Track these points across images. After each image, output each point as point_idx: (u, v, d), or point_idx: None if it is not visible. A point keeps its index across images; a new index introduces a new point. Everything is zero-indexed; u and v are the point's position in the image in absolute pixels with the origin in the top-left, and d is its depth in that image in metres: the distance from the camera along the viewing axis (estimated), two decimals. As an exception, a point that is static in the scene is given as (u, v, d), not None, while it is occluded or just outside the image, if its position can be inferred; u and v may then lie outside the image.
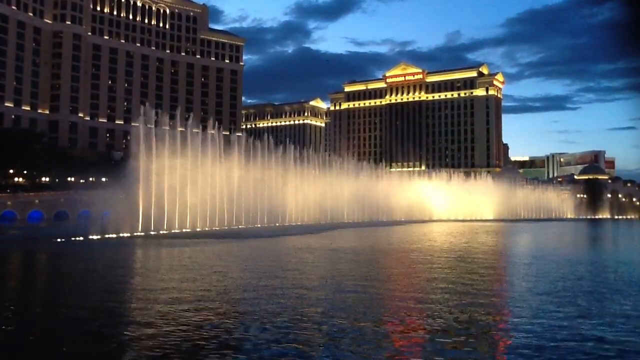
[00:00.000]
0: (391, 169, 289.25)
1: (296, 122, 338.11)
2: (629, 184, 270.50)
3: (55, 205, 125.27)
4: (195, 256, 49.15)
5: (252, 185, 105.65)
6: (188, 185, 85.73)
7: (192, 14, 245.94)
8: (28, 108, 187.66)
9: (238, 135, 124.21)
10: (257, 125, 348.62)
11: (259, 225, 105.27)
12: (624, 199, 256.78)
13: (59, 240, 63.66)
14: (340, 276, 35.55)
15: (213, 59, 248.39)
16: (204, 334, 19.25)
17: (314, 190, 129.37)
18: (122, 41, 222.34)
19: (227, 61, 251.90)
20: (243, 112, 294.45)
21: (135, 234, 73.57)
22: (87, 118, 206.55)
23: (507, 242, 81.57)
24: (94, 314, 23.43)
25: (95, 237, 66.29)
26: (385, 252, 57.74)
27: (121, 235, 70.55)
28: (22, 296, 29.08)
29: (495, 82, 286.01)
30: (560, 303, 25.82)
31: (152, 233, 75.92)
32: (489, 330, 20.87)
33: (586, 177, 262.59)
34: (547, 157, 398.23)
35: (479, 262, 46.71)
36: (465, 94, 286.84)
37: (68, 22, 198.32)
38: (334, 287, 30.57)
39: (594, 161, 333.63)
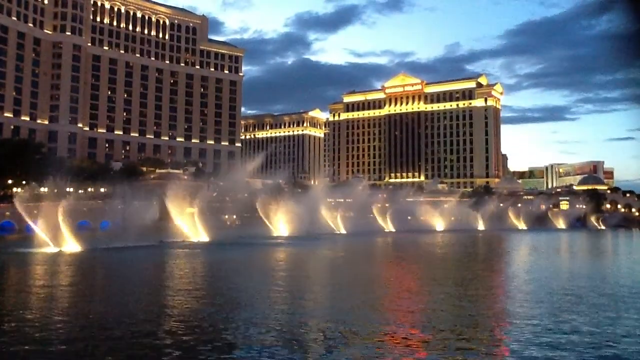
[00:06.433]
0: (390, 180, 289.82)
1: (295, 132, 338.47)
2: (628, 195, 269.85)
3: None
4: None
5: None
6: None
7: (191, 24, 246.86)
8: (27, 118, 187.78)
9: None
10: (256, 136, 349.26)
11: None
12: (623, 210, 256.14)
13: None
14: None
15: (212, 69, 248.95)
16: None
17: None
18: (122, 52, 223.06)
19: (226, 72, 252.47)
20: (242, 122, 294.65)
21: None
22: (87, 128, 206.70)
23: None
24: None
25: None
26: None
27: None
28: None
29: (493, 93, 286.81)
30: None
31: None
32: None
33: (585, 188, 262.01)
34: (546, 168, 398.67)
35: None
36: (464, 104, 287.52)
37: (68, 33, 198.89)
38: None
39: (593, 171, 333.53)
